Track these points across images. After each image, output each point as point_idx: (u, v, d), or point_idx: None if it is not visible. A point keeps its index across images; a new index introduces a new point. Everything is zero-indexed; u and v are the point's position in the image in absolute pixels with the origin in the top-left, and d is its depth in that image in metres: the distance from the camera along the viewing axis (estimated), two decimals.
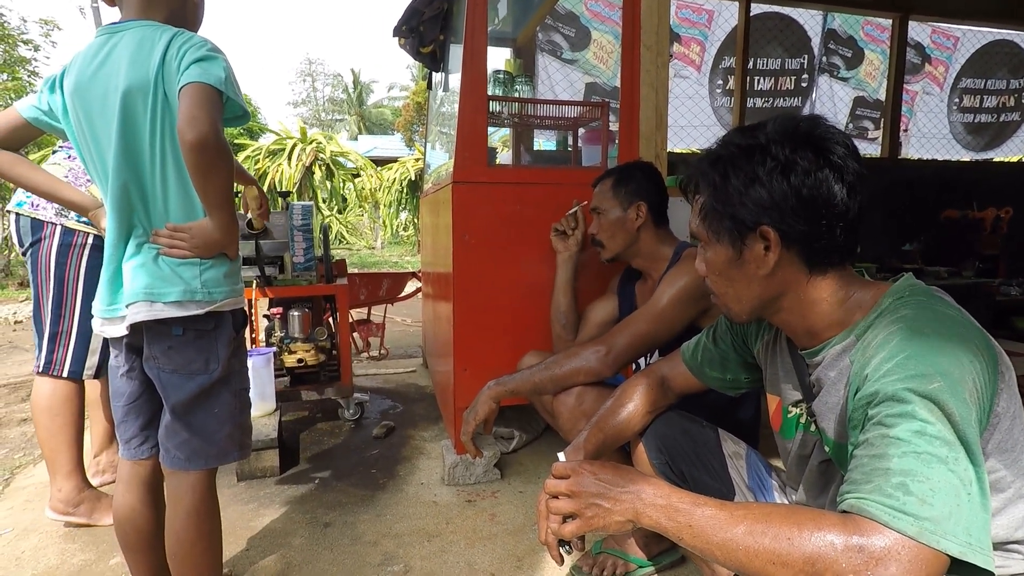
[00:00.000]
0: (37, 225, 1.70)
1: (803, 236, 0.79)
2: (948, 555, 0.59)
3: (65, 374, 1.75)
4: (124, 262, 1.13)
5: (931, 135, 5.16)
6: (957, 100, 5.21)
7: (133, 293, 1.10)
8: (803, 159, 0.77)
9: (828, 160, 0.77)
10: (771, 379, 1.02)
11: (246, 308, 1.29)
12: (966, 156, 5.27)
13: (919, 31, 4.90)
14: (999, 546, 0.76)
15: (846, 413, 0.78)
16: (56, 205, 1.68)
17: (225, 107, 1.08)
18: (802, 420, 0.95)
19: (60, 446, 1.75)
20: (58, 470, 1.76)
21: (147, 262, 1.11)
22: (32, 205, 1.71)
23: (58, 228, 1.71)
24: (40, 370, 1.74)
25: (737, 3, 4.25)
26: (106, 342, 1.39)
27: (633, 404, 1.16)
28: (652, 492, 0.75)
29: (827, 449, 0.89)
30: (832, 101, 4.88)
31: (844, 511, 0.65)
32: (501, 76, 2.39)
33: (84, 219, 1.73)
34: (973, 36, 5.10)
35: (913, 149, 5.16)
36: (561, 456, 0.93)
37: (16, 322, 5.65)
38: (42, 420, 1.75)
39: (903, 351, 0.69)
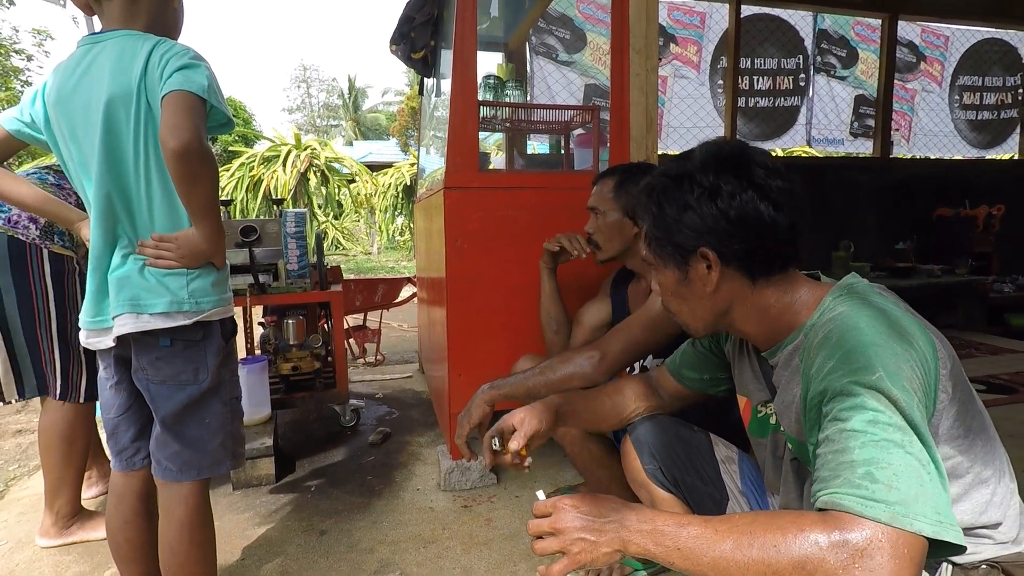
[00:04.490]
0: (16, 244, 1.61)
1: (738, 253, 0.84)
2: (923, 535, 0.61)
3: (82, 399, 1.73)
4: (109, 273, 1.12)
5: (935, 133, 5.17)
6: (957, 97, 5.23)
7: (119, 305, 1.09)
8: (726, 183, 0.83)
9: (751, 181, 0.82)
10: (739, 379, 1.04)
11: (235, 316, 1.28)
12: (972, 153, 5.28)
13: (909, 30, 4.92)
14: (966, 532, 0.77)
15: (801, 411, 0.81)
16: (39, 227, 1.64)
17: (209, 115, 1.08)
18: (772, 420, 0.97)
19: (69, 473, 1.74)
20: (58, 496, 1.74)
21: (133, 273, 1.11)
22: (9, 222, 1.63)
23: (45, 253, 1.64)
24: (57, 397, 1.71)
25: (727, 5, 4.27)
26: None
27: (623, 390, 1.20)
28: (636, 518, 0.74)
29: (790, 447, 0.92)
30: (833, 100, 4.89)
31: (820, 508, 0.66)
32: (492, 81, 2.40)
33: (66, 244, 1.69)
34: (962, 35, 5.12)
35: (919, 148, 5.17)
36: (540, 495, 0.91)
37: None
38: (60, 447, 1.71)
39: (842, 347, 0.73)
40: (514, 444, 0.84)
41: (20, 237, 1.63)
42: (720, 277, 0.86)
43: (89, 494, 2.02)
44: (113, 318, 1.11)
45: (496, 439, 0.96)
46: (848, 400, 0.68)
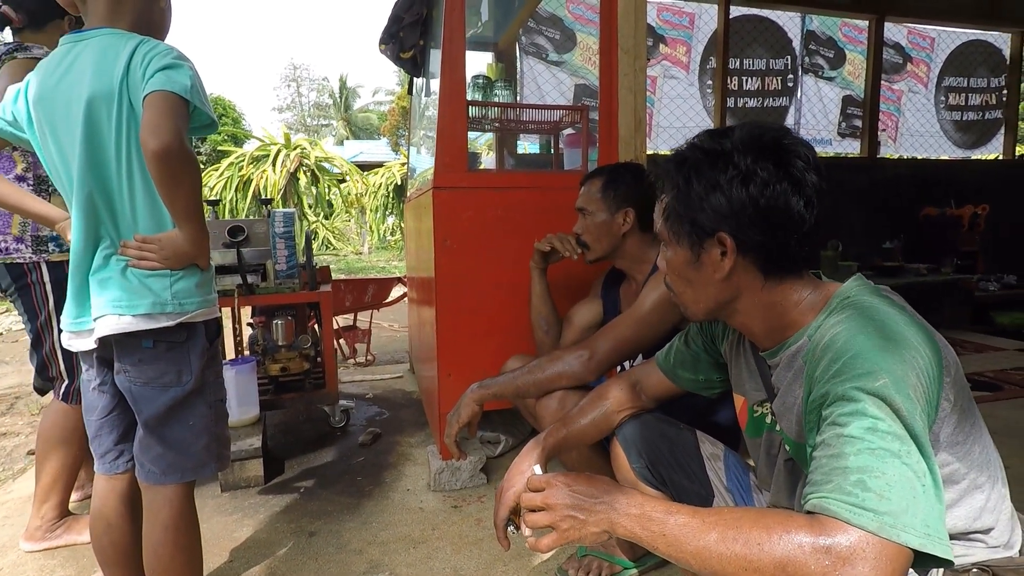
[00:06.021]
0: (15, 269, 1.63)
1: (758, 245, 0.81)
2: (909, 548, 0.60)
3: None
4: (91, 274, 1.11)
5: (921, 133, 5.24)
6: (943, 98, 5.29)
7: (101, 306, 1.08)
8: (763, 170, 0.79)
9: (788, 172, 0.79)
10: (736, 379, 1.03)
11: (220, 318, 1.27)
12: (958, 154, 5.36)
13: (895, 32, 4.98)
14: (960, 536, 0.78)
15: (803, 414, 0.79)
16: (28, 244, 1.63)
17: (192, 116, 1.07)
18: (767, 420, 0.96)
19: (63, 477, 1.73)
20: (47, 499, 1.73)
21: (115, 274, 1.09)
22: (2, 250, 1.63)
23: (43, 266, 1.64)
24: (59, 397, 1.72)
25: (716, 5, 4.30)
26: None
27: (603, 404, 1.18)
28: (625, 502, 0.75)
29: (787, 448, 0.90)
30: (820, 100, 4.94)
31: (809, 512, 0.66)
32: (480, 81, 2.39)
33: (64, 248, 1.67)
34: (948, 37, 5.19)
35: (905, 148, 5.23)
36: (537, 469, 0.94)
37: None
38: (57, 450, 1.71)
39: (848, 351, 0.71)
40: (527, 531, 0.85)
41: (17, 261, 1.63)
42: (733, 266, 0.83)
43: (75, 497, 2.00)
44: (95, 319, 1.09)
45: (512, 528, 0.97)
46: (849, 405, 0.67)
